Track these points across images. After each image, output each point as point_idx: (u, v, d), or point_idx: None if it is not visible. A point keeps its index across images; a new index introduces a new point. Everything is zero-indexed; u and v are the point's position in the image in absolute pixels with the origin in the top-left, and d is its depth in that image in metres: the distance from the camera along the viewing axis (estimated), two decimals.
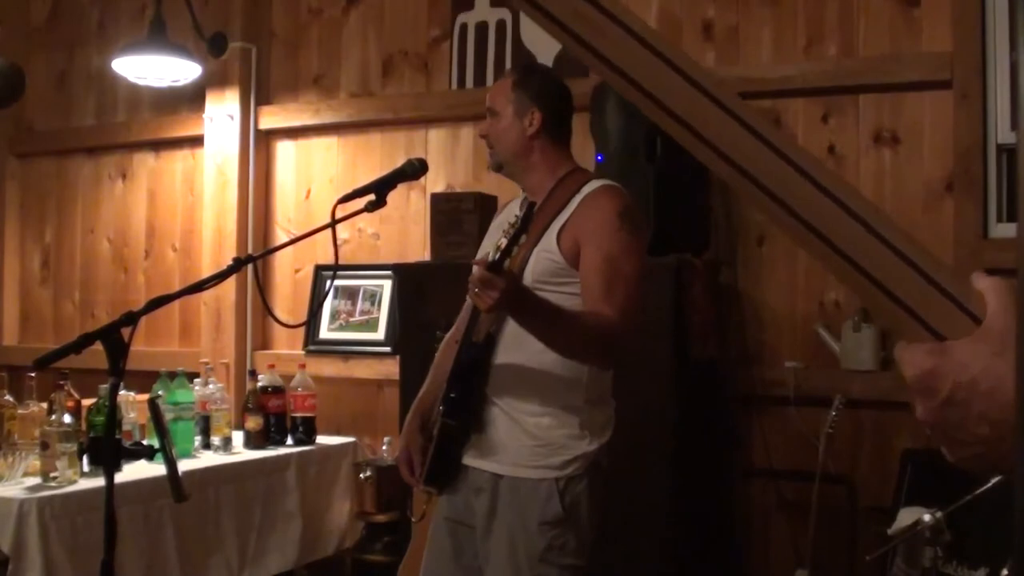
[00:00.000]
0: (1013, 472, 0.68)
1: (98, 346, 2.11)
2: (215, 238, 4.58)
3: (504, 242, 1.97)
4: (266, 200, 4.65)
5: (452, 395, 2.32)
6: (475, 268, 2.02)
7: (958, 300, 0.73)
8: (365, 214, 2.34)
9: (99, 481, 2.32)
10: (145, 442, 2.89)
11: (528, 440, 2.30)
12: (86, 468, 3.03)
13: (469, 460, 2.37)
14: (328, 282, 4.24)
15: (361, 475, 3.87)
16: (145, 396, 3.11)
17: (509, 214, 2.50)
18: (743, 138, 0.70)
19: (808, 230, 0.72)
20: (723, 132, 0.70)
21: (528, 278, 2.28)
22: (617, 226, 2.27)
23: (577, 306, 2.26)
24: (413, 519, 2.60)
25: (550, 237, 2.31)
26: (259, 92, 4.62)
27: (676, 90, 0.69)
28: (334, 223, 2.29)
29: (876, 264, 0.72)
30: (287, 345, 4.52)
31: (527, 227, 1.96)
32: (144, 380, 3.53)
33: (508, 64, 4.11)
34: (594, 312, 2.21)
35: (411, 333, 3.69)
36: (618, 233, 2.26)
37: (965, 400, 0.72)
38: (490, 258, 2.00)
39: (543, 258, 2.31)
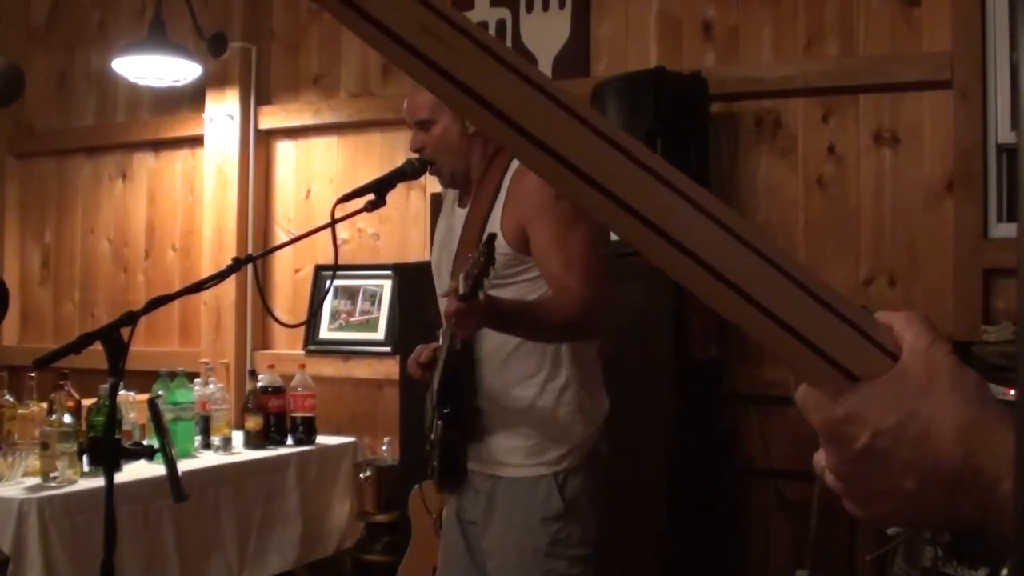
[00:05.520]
0: (941, 528, 0.63)
1: (98, 346, 2.11)
2: (215, 238, 4.58)
3: (474, 271, 1.95)
4: (266, 200, 4.65)
5: (446, 410, 2.33)
6: (448, 301, 2.02)
7: (870, 335, 0.63)
8: (365, 214, 2.34)
9: (99, 481, 2.32)
10: (145, 442, 2.89)
11: (522, 439, 2.31)
12: (86, 468, 3.03)
13: (472, 464, 2.39)
14: (328, 282, 4.24)
15: (361, 475, 3.87)
16: (145, 396, 3.11)
17: (450, 213, 2.49)
18: (603, 151, 0.59)
19: (690, 258, 0.60)
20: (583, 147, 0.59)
21: None
22: (553, 196, 2.22)
23: (538, 289, 2.26)
24: (432, 514, 2.62)
25: (494, 230, 2.27)
26: (259, 92, 4.62)
27: (552, 120, 0.58)
28: (334, 223, 2.29)
29: (774, 296, 0.61)
30: (287, 345, 4.52)
31: (492, 260, 1.94)
32: (144, 380, 3.53)
33: None
34: (561, 290, 2.21)
35: (411, 333, 3.68)
36: (556, 204, 2.22)
37: (888, 449, 0.62)
38: (461, 289, 1.97)
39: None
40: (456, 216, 2.45)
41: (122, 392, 3.14)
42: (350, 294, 4.41)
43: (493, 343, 2.28)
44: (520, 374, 2.31)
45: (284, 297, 4.59)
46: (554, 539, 2.27)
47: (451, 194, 2.54)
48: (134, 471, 3.08)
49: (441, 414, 2.35)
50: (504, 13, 4.14)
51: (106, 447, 2.22)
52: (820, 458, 0.67)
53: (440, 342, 2.44)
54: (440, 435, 2.36)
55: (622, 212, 0.59)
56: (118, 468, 2.84)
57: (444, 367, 2.37)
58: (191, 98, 4.70)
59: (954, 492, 0.62)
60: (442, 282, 2.46)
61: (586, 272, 2.21)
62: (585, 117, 0.59)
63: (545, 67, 4.04)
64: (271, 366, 3.99)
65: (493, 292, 2.26)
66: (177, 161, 4.89)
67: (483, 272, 1.93)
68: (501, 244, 2.27)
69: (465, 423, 2.34)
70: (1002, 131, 3.29)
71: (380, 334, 4.31)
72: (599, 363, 2.42)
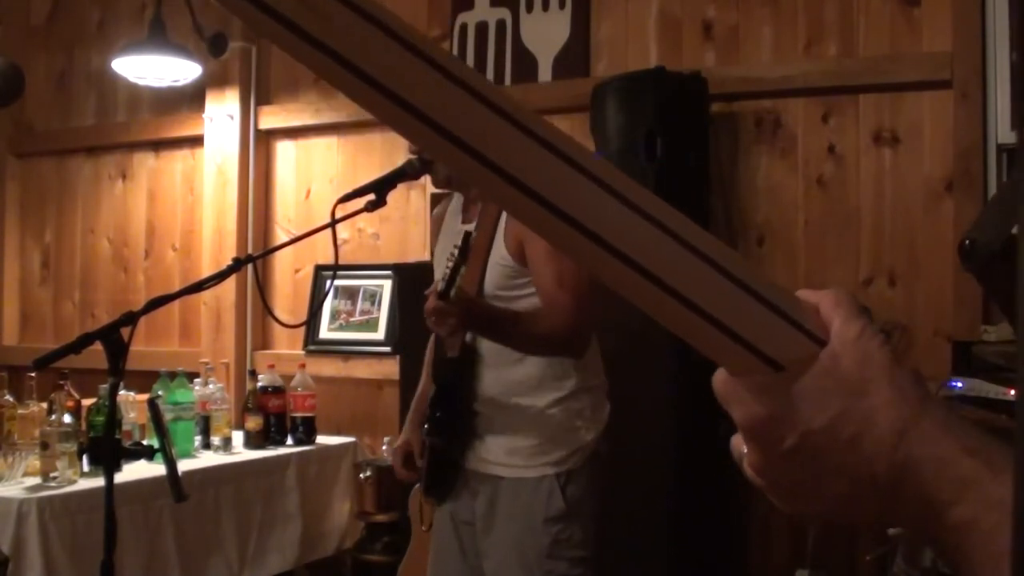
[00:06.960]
0: (875, 525, 0.57)
1: (98, 346, 2.11)
2: (215, 238, 4.58)
3: (449, 267, 2.01)
4: (266, 200, 4.65)
5: (437, 415, 2.33)
6: (428, 299, 2.08)
7: (793, 318, 0.57)
8: (365, 214, 2.33)
9: (99, 481, 2.32)
10: (145, 442, 2.89)
11: (524, 441, 2.31)
12: (86, 468, 3.03)
13: (469, 464, 2.38)
14: (328, 282, 4.24)
15: (361, 475, 3.87)
16: (145, 396, 3.11)
17: (454, 224, 2.49)
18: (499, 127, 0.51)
19: (578, 230, 0.52)
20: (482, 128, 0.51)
21: (488, 289, 2.30)
22: None
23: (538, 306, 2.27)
24: (423, 528, 2.61)
25: (499, 243, 2.30)
26: (259, 92, 4.62)
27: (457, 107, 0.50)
28: (334, 223, 2.29)
29: (686, 279, 0.54)
30: (287, 345, 4.52)
31: (466, 258, 2.03)
32: (144, 380, 3.53)
33: (508, 64, 4.10)
34: (551, 303, 2.23)
35: (411, 333, 3.68)
36: None
37: (818, 451, 0.57)
38: (438, 287, 2.04)
39: (497, 267, 2.30)
40: (461, 230, 2.44)
41: (122, 392, 3.14)
42: (350, 294, 4.41)
43: (496, 348, 2.28)
44: (525, 381, 2.31)
45: (284, 297, 4.59)
46: (555, 540, 2.28)
47: (452, 208, 2.53)
48: (134, 471, 3.08)
49: (431, 418, 2.35)
50: (504, 13, 4.13)
51: (106, 447, 2.22)
52: (739, 444, 0.61)
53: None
54: (429, 442, 2.37)
55: (478, 165, 0.51)
56: (118, 468, 2.84)
57: (435, 373, 2.37)
58: (191, 98, 4.70)
59: (890, 500, 0.56)
60: None
61: (577, 289, 2.22)
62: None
63: (545, 67, 4.04)
64: (271, 366, 3.99)
65: (496, 303, 2.27)
66: (177, 161, 4.88)
67: (455, 271, 1.99)
68: (506, 258, 2.28)
69: (460, 428, 2.34)
70: (1002, 131, 3.29)
71: (380, 334, 4.31)
72: (604, 378, 2.42)
